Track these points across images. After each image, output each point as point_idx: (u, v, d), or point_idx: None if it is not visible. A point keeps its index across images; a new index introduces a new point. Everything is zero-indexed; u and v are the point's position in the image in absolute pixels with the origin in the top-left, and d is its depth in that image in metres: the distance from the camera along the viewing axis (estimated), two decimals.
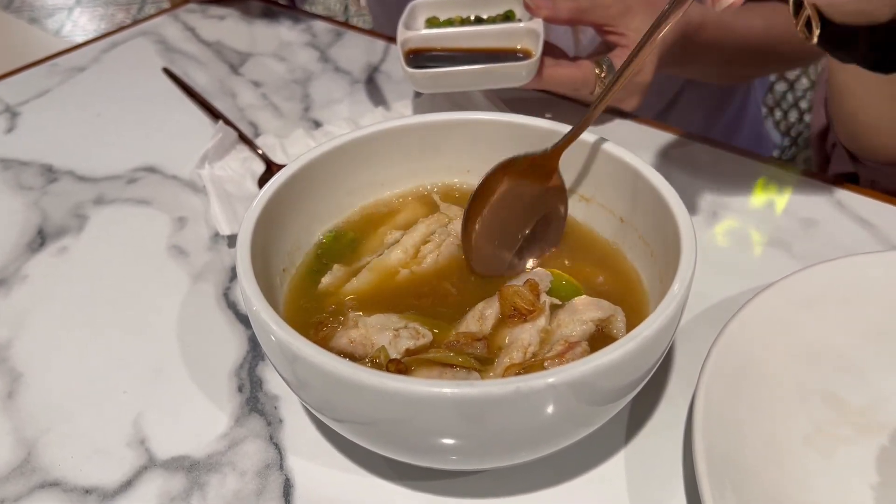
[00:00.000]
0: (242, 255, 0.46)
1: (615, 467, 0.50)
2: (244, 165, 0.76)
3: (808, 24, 0.61)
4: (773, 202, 0.72)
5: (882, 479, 0.48)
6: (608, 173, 0.55)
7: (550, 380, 0.38)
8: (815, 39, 0.61)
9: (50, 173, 0.78)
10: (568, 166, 0.58)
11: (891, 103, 0.70)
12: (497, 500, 0.48)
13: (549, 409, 0.39)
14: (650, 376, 0.46)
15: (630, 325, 0.50)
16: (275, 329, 0.41)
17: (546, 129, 0.57)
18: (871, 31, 0.60)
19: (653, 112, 1.11)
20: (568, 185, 0.59)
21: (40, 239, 0.70)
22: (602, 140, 0.55)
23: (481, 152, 0.59)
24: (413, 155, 0.60)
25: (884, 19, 0.59)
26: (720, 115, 1.17)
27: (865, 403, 0.52)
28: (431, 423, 0.40)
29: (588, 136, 0.56)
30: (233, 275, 0.65)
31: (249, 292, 0.43)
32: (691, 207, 0.71)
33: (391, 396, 0.38)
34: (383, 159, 0.59)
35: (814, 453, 0.49)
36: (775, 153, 1.25)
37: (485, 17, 0.82)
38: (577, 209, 0.59)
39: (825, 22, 0.61)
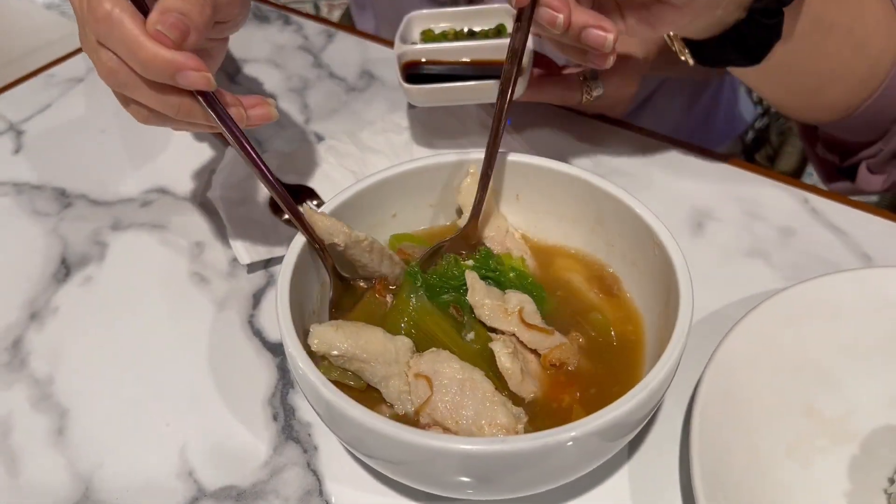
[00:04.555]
0: (284, 318, 0.50)
1: (620, 480, 0.56)
2: (255, 185, 0.79)
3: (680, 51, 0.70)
4: (752, 211, 0.77)
5: (853, 486, 0.55)
6: (615, 218, 0.60)
7: (573, 433, 0.43)
8: (691, 61, 0.69)
9: (64, 197, 0.81)
10: (575, 204, 0.63)
11: (784, 90, 0.78)
12: None
13: (571, 455, 0.45)
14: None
15: (626, 348, 0.57)
16: (323, 391, 0.46)
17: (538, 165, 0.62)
18: (729, 34, 0.65)
19: (634, 101, 1.15)
20: (574, 215, 0.63)
21: (65, 269, 0.73)
22: (609, 184, 0.60)
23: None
24: (424, 192, 0.64)
25: (735, 19, 0.65)
26: (697, 99, 1.22)
27: (839, 414, 0.59)
28: (459, 472, 0.45)
29: (592, 177, 0.60)
30: (255, 301, 0.69)
31: (298, 358, 0.48)
32: (676, 220, 0.76)
33: (426, 451, 0.44)
34: (399, 198, 0.63)
35: (794, 464, 0.56)
36: (750, 133, 1.30)
37: (477, 30, 0.86)
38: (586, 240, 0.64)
39: (694, 45, 0.69)
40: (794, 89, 0.77)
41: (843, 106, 0.77)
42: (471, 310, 0.56)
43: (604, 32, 0.59)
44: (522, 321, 0.53)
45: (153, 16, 0.51)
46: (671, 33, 0.70)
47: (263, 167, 0.55)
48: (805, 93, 0.77)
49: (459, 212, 0.63)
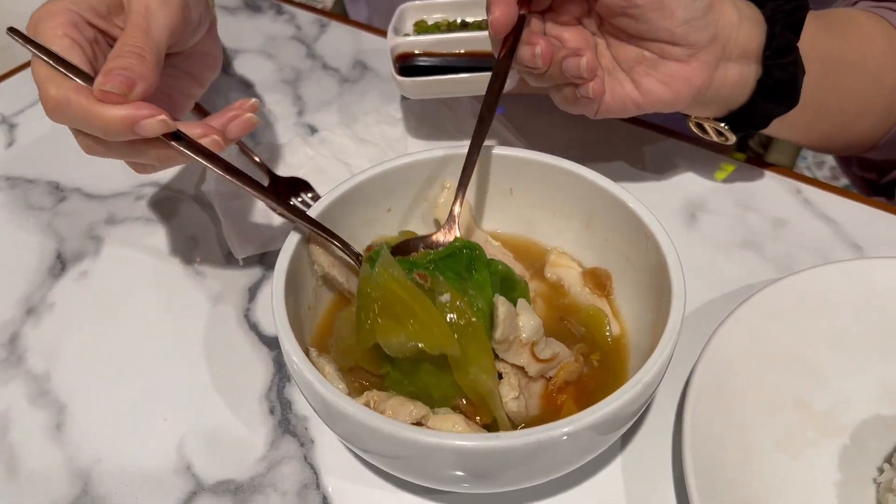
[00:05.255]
0: (280, 316, 0.50)
1: (613, 472, 0.57)
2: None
3: (718, 132, 0.71)
4: (745, 202, 0.77)
5: (844, 477, 0.55)
6: (608, 213, 0.60)
7: (566, 429, 0.44)
8: (733, 137, 0.70)
9: (58, 192, 0.81)
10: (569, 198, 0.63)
11: (817, 134, 0.79)
12: None
13: (564, 450, 0.46)
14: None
15: (619, 343, 0.58)
16: (318, 388, 0.46)
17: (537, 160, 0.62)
18: (756, 94, 0.66)
19: None
20: (568, 210, 0.64)
21: (60, 264, 0.73)
22: (602, 178, 0.60)
23: (481, 183, 0.64)
24: (418, 186, 0.64)
25: (754, 79, 0.66)
26: None
27: (830, 406, 0.59)
28: (454, 468, 0.46)
29: (585, 171, 0.61)
30: (250, 295, 0.70)
31: (294, 355, 0.48)
32: (669, 211, 0.76)
33: (421, 447, 0.44)
34: (393, 193, 0.63)
35: (785, 457, 0.56)
36: None
37: (470, 21, 0.86)
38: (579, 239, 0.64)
39: (724, 120, 0.70)
40: (826, 131, 0.78)
41: (870, 138, 0.79)
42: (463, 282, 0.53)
43: (577, 56, 0.60)
44: (533, 356, 0.52)
45: (98, 80, 0.50)
46: (701, 122, 0.71)
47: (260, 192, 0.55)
48: (836, 132, 0.79)
49: (437, 224, 0.63)
